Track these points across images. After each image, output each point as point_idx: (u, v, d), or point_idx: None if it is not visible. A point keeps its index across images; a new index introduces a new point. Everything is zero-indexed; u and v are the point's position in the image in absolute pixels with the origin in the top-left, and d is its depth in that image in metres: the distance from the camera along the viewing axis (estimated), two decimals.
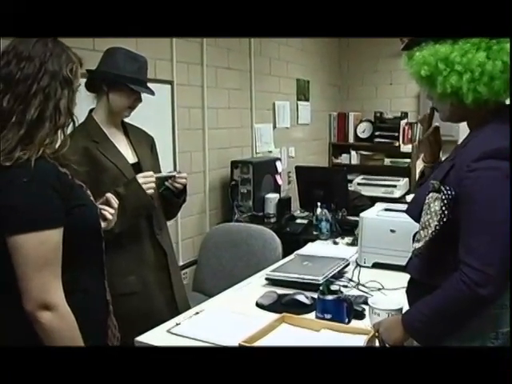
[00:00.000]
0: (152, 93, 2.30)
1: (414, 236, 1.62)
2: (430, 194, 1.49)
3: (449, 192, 1.44)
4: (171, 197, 2.38)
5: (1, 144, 1.36)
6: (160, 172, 2.42)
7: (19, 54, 1.42)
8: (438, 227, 1.45)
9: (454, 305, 1.42)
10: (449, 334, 1.47)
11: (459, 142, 1.61)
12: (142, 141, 2.39)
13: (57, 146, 1.45)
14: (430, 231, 1.47)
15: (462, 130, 1.64)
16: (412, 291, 1.67)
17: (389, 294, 2.29)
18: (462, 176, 1.43)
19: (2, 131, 1.38)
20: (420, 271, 1.60)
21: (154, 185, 2.18)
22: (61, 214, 1.40)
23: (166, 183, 2.34)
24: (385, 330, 1.61)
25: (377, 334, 1.68)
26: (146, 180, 2.16)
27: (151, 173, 2.20)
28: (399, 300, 1.88)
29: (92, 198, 1.60)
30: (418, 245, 1.53)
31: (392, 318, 1.68)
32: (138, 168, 2.27)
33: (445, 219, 1.44)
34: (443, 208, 1.44)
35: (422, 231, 1.51)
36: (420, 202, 1.54)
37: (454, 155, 1.53)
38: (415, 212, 1.59)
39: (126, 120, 2.37)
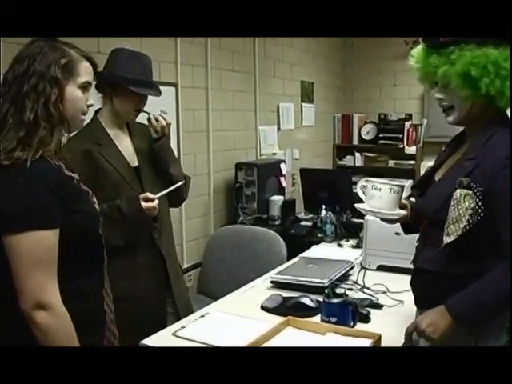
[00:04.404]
0: (157, 94, 2.25)
1: (423, 232, 1.75)
2: (458, 191, 1.55)
3: (480, 188, 1.52)
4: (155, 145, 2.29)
5: (1, 143, 1.37)
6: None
7: (15, 58, 1.45)
8: (471, 222, 1.53)
9: (509, 295, 1.46)
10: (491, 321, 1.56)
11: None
12: (148, 140, 2.32)
13: (54, 146, 1.44)
14: (461, 225, 1.54)
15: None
16: (426, 284, 1.70)
17: (393, 296, 2.30)
18: (493, 173, 1.51)
19: (1, 131, 1.39)
20: (440, 263, 1.63)
21: (156, 208, 2.12)
22: (57, 216, 1.40)
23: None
24: (428, 325, 1.56)
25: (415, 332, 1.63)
26: (149, 206, 2.09)
27: (154, 196, 2.12)
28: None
29: (97, 205, 1.59)
30: (449, 239, 1.57)
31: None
32: (139, 171, 2.25)
33: (482, 214, 1.53)
34: (480, 203, 1.52)
35: (452, 226, 1.56)
36: (440, 198, 1.61)
37: (473, 155, 1.58)
38: (434, 208, 1.64)
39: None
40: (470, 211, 1.53)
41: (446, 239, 1.57)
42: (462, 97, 1.59)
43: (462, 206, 1.53)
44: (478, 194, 1.52)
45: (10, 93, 1.41)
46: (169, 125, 2.32)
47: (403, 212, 1.75)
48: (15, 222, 1.34)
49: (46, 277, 1.36)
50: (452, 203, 1.56)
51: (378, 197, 1.72)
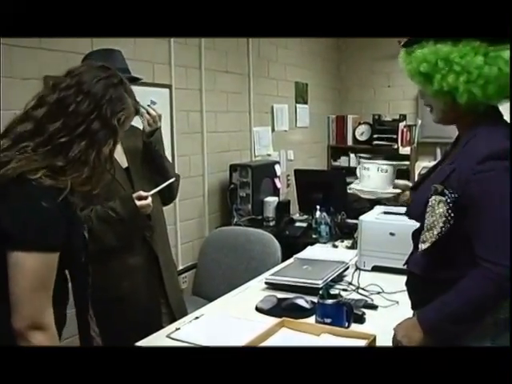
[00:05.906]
0: (133, 78, 2.22)
1: (414, 234, 1.69)
2: (433, 197, 1.52)
3: (452, 195, 1.48)
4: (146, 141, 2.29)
5: (28, 160, 1.35)
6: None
7: (81, 84, 1.41)
8: (444, 229, 1.50)
9: (481, 302, 1.46)
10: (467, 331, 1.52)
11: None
12: (137, 140, 2.31)
13: (94, 187, 1.45)
14: (435, 232, 1.52)
15: None
16: (414, 287, 1.69)
17: (388, 296, 2.30)
18: (466, 179, 1.47)
19: (35, 148, 1.37)
20: (423, 267, 1.62)
21: (150, 206, 2.12)
22: (62, 239, 1.39)
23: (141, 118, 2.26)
24: (403, 336, 1.58)
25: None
26: (143, 204, 2.09)
27: (147, 194, 2.12)
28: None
29: (86, 234, 1.57)
30: (424, 246, 1.56)
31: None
32: (129, 172, 2.25)
33: (451, 222, 1.49)
34: (449, 211, 1.49)
35: (427, 233, 1.55)
36: (421, 203, 1.58)
37: (454, 159, 1.56)
38: (416, 213, 1.63)
39: None
40: (443, 218, 1.50)
41: (421, 246, 1.56)
42: (430, 95, 1.59)
43: (436, 212, 1.51)
44: (449, 200, 1.49)
45: (65, 121, 1.38)
46: (160, 116, 2.32)
47: (396, 190, 1.75)
48: (28, 241, 1.32)
49: (45, 298, 1.36)
50: (428, 209, 1.54)
51: (367, 176, 1.74)
